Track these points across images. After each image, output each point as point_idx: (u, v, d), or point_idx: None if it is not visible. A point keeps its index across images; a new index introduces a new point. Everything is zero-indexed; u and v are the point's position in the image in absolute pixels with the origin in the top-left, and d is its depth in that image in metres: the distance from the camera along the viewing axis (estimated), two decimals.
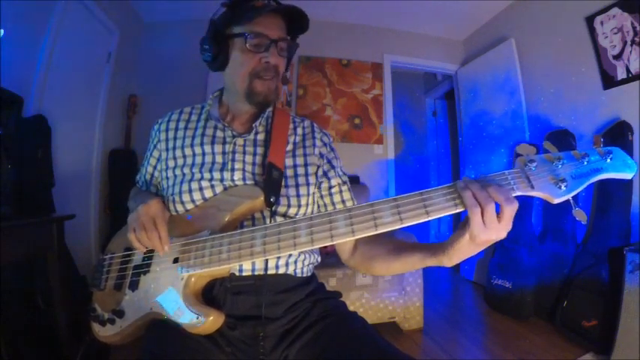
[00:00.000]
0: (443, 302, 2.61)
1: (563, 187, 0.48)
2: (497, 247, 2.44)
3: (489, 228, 0.48)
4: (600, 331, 1.62)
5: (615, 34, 1.94)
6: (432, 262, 0.60)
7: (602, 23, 2.01)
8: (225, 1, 0.74)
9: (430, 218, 0.50)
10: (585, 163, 0.50)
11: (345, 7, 2.88)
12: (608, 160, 0.50)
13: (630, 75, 1.87)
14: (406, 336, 1.92)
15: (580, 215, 0.49)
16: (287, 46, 0.77)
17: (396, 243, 0.70)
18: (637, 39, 1.84)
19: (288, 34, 0.77)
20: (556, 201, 0.49)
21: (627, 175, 0.50)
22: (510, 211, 0.48)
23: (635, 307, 1.41)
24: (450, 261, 0.56)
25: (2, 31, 1.45)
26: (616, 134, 1.88)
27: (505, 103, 2.73)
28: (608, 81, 1.99)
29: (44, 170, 1.69)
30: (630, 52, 1.87)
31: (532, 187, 0.49)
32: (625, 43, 1.90)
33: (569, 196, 0.49)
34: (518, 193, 0.49)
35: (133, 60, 2.81)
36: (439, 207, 0.50)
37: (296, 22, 0.76)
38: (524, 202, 2.37)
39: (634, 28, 1.85)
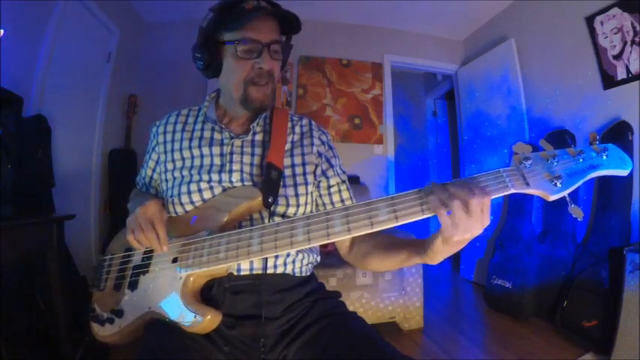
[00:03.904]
0: (443, 302, 2.61)
1: (558, 184, 0.48)
2: (497, 247, 2.43)
3: (460, 226, 0.47)
4: (600, 331, 1.62)
5: (615, 34, 1.94)
6: (417, 261, 0.61)
7: (602, 23, 2.01)
8: (214, 5, 0.71)
9: (425, 216, 0.50)
10: (581, 160, 0.50)
11: (345, 7, 2.88)
12: (604, 157, 0.50)
13: (630, 75, 1.87)
14: (406, 336, 1.92)
15: (576, 212, 0.49)
16: (280, 48, 0.75)
17: (388, 240, 0.71)
18: (637, 39, 1.83)
19: (282, 34, 0.76)
20: (551, 198, 0.49)
21: (623, 172, 0.49)
22: (476, 203, 0.46)
23: (635, 307, 1.40)
24: (432, 261, 0.56)
25: (2, 31, 1.45)
26: (616, 134, 1.88)
27: (505, 103, 2.73)
28: (608, 81, 1.99)
29: (44, 170, 1.68)
30: (630, 52, 1.87)
31: (527, 184, 0.49)
32: (625, 43, 1.89)
33: (564, 193, 0.48)
34: (514, 191, 0.49)
35: (133, 60, 2.82)
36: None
37: (288, 22, 0.75)
38: (525, 202, 2.37)
39: (634, 28, 1.85)
